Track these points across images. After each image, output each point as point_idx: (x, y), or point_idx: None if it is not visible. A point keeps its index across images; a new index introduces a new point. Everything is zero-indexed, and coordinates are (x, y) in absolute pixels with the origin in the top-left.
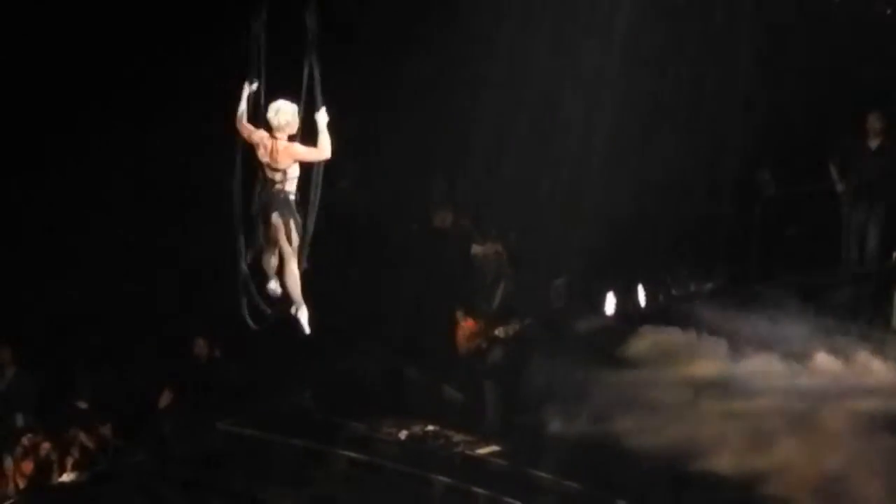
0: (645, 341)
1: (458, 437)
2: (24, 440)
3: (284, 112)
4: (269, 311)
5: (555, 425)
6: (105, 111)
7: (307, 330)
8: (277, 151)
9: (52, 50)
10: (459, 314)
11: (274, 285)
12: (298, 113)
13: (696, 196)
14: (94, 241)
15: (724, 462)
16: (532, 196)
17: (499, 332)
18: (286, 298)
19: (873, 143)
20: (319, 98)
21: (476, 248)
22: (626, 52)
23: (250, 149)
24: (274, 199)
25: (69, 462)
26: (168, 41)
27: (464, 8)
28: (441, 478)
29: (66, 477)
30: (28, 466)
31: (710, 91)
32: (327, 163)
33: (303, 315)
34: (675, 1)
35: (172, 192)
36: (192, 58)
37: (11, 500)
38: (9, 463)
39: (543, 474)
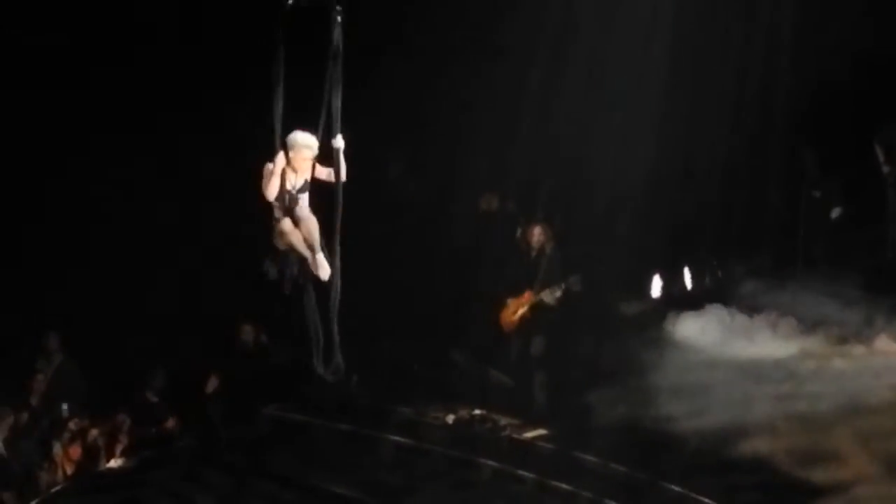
0: (691, 324)
1: (505, 421)
2: (72, 425)
3: (309, 144)
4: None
5: (601, 408)
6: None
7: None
8: (302, 172)
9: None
10: (508, 298)
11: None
12: (316, 136)
13: (743, 179)
14: (139, 227)
15: (774, 446)
16: (579, 179)
17: (545, 295)
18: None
19: None
20: (338, 122)
21: (521, 232)
22: (672, 34)
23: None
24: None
25: (117, 448)
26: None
27: None
28: (488, 461)
29: (114, 462)
30: (76, 452)
31: (755, 74)
32: (377, 150)
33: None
34: None
35: (214, 181)
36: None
37: (59, 487)
38: (57, 449)
39: (590, 457)
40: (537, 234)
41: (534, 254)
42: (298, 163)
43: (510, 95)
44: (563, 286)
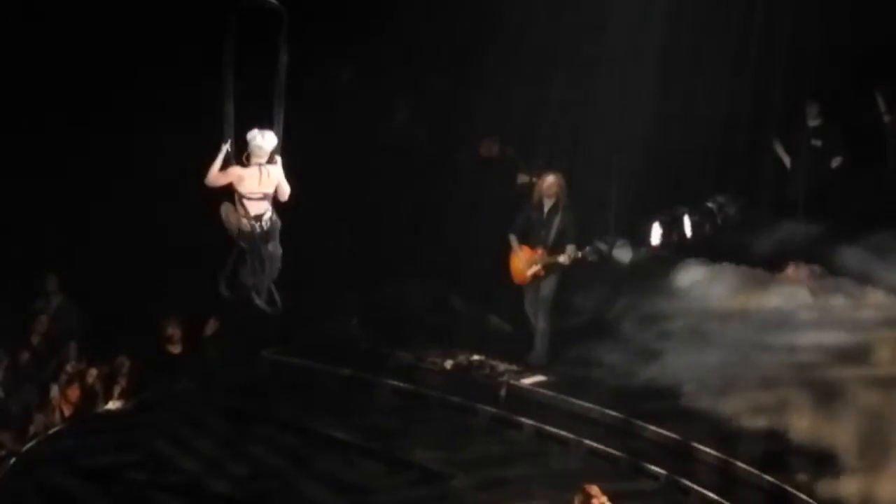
0: (690, 272)
1: (503, 367)
2: (69, 367)
3: (269, 137)
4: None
5: (600, 356)
6: None
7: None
8: (268, 176)
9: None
10: (514, 242)
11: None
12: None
13: (743, 126)
14: (136, 162)
15: (767, 397)
16: (578, 125)
17: (562, 258)
18: None
19: None
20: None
21: (522, 178)
22: None
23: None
24: (272, 228)
25: (115, 390)
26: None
27: None
28: (486, 407)
29: (112, 405)
30: (74, 394)
31: (758, 22)
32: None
33: None
34: None
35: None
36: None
37: (57, 428)
38: (55, 391)
39: (588, 405)
40: (551, 183)
41: (547, 207)
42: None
43: (511, 38)
44: (579, 252)
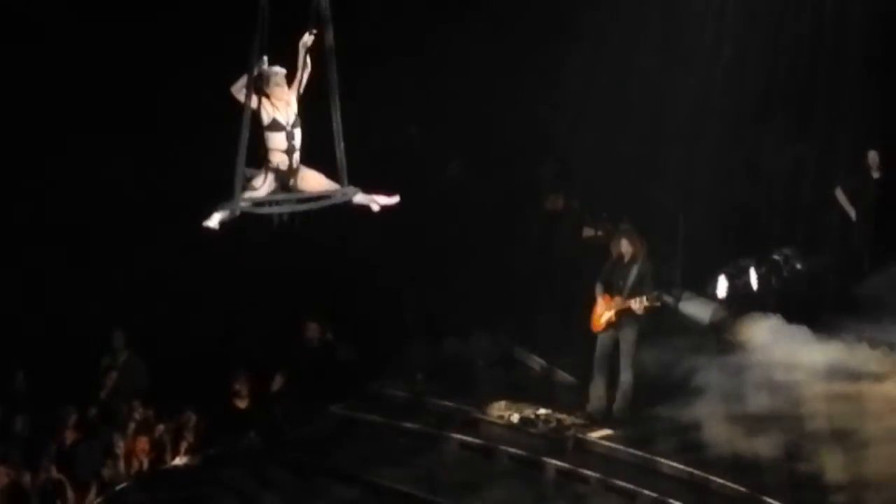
0: (757, 325)
1: (570, 420)
2: (136, 415)
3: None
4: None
5: (668, 409)
6: None
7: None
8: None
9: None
10: (598, 290)
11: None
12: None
13: (808, 178)
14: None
15: (836, 450)
16: (644, 178)
17: (633, 304)
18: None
19: None
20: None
21: (587, 232)
22: (740, 34)
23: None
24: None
25: (182, 445)
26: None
27: None
28: (552, 461)
29: (179, 460)
30: (142, 449)
31: (822, 75)
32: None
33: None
34: None
35: None
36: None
37: (124, 484)
38: (122, 447)
39: (656, 458)
40: (627, 240)
41: (625, 260)
42: (276, 94)
43: (576, 96)
44: (654, 297)
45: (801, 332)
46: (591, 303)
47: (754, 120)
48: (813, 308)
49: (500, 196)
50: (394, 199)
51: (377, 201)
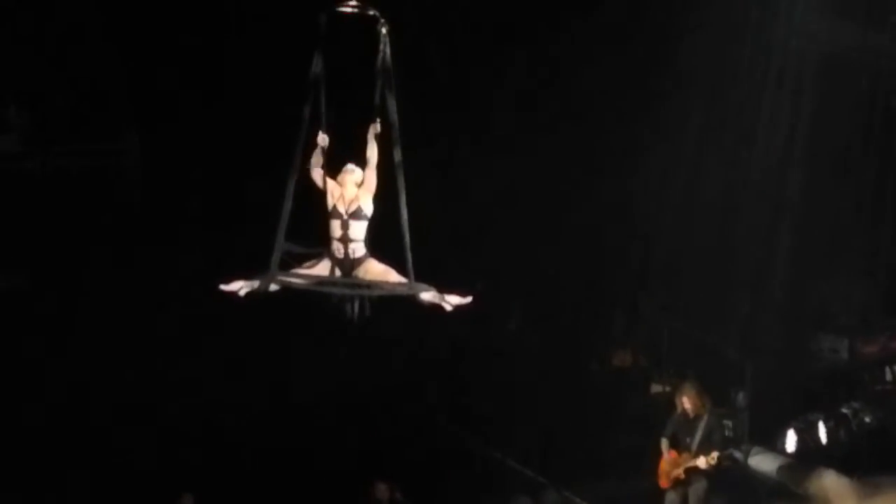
0: (827, 480)
1: None
2: None
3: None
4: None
5: None
6: None
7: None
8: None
9: None
10: (664, 445)
11: None
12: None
13: (875, 328)
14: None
15: None
16: (708, 335)
17: (700, 462)
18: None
19: None
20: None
21: (655, 388)
22: (807, 178)
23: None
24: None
25: None
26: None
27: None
28: None
29: None
30: None
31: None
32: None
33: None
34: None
35: None
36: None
37: None
38: None
39: None
40: (692, 397)
41: (691, 415)
42: (344, 180)
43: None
44: (715, 458)
45: (868, 488)
46: (658, 459)
47: (821, 268)
48: (881, 463)
49: (566, 351)
50: (467, 299)
51: (450, 301)
